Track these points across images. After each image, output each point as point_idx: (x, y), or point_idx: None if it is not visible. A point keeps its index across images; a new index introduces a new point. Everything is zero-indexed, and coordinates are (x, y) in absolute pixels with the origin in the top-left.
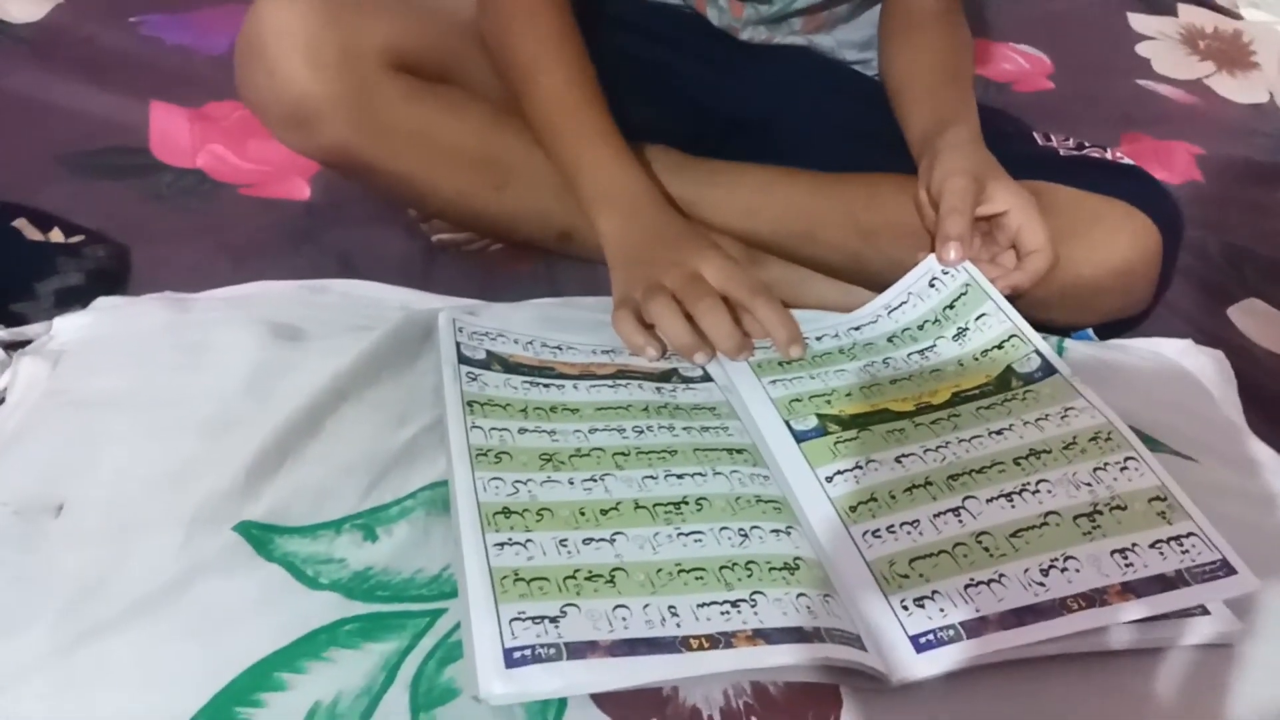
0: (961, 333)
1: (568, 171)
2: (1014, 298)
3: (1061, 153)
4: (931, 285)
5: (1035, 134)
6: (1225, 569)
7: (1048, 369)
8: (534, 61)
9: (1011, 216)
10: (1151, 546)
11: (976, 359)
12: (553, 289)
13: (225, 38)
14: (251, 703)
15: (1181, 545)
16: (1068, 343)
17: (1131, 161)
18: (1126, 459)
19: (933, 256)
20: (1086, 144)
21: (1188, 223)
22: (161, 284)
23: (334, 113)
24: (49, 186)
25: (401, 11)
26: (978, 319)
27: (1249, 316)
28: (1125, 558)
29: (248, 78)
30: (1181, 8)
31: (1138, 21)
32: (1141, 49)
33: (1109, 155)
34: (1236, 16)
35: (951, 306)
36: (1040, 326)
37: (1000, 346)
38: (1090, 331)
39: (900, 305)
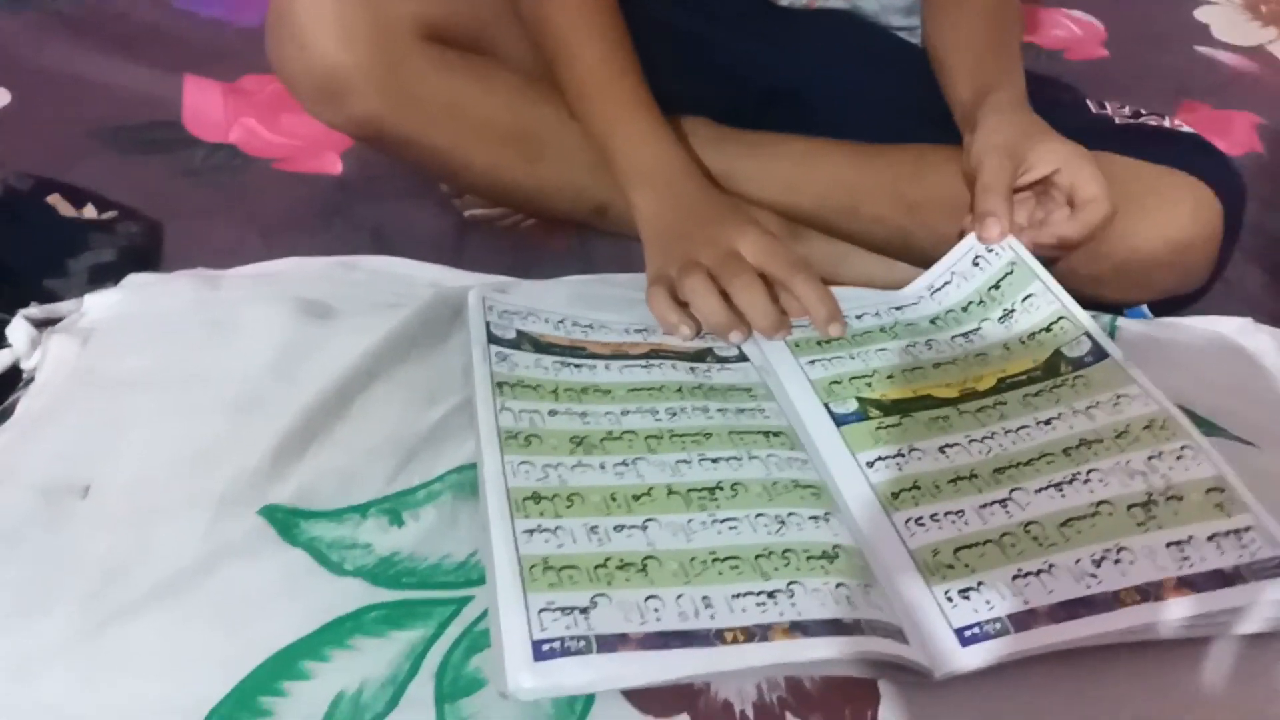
0: (1008, 314)
1: (603, 145)
2: (1056, 266)
3: (1117, 121)
4: (975, 264)
5: (1089, 102)
6: None
7: (1099, 353)
8: (569, 33)
9: (1062, 174)
10: (1209, 540)
11: (1024, 342)
12: (587, 265)
13: (259, 10)
14: (275, 691)
15: (1240, 539)
16: (1120, 321)
17: (1192, 130)
18: (1182, 447)
19: (974, 234)
20: (1143, 112)
21: (1249, 198)
22: (194, 260)
23: (365, 84)
24: (83, 161)
25: None
26: (1024, 300)
27: None
28: (1182, 550)
29: (279, 50)
30: None
31: None
32: (1200, 14)
33: (1167, 123)
34: None
35: (997, 287)
36: (1092, 304)
37: (1049, 329)
38: (1145, 309)
39: (944, 285)
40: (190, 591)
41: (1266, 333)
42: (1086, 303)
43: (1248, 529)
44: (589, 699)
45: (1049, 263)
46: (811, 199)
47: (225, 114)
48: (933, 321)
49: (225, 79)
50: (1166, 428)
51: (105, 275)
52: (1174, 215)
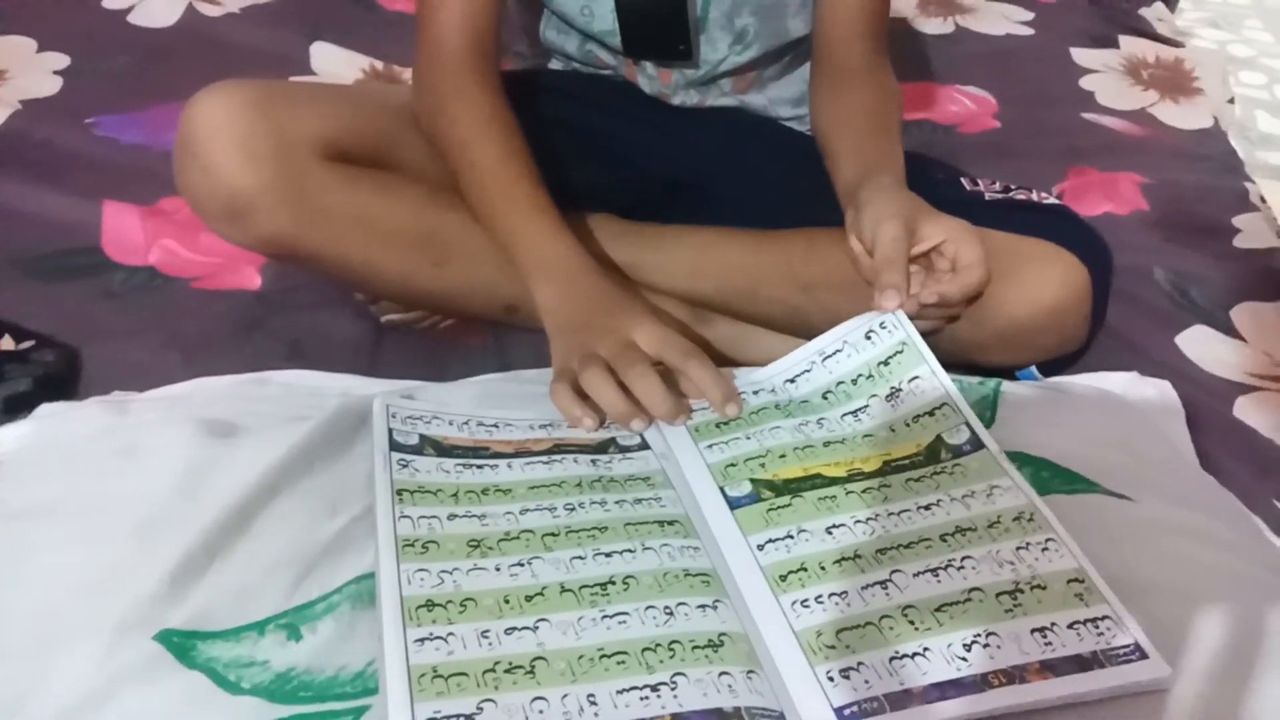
0: (895, 393)
1: (505, 246)
2: (943, 333)
3: (988, 196)
4: (868, 338)
5: (963, 179)
6: (1139, 653)
7: (976, 443)
8: (467, 140)
9: (947, 245)
10: (1069, 627)
11: (908, 425)
12: (502, 363)
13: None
14: None
15: (1098, 627)
16: (1006, 386)
17: (1057, 201)
18: (1047, 540)
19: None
20: (1013, 187)
21: (1135, 252)
22: (112, 384)
23: (270, 205)
24: (3, 292)
25: (333, 100)
26: (911, 380)
27: (1196, 343)
28: (1044, 636)
29: (184, 176)
30: (1123, 39)
31: (1080, 56)
32: (1085, 82)
33: (1035, 196)
34: (1177, 45)
35: (886, 363)
36: (981, 369)
37: (932, 414)
38: (1034, 369)
39: (835, 353)
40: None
41: (1151, 385)
42: (975, 369)
43: (1104, 618)
44: None
45: (932, 332)
46: (713, 285)
47: (144, 236)
48: (824, 396)
49: (145, 202)
50: (1034, 520)
51: (20, 405)
52: (1045, 282)
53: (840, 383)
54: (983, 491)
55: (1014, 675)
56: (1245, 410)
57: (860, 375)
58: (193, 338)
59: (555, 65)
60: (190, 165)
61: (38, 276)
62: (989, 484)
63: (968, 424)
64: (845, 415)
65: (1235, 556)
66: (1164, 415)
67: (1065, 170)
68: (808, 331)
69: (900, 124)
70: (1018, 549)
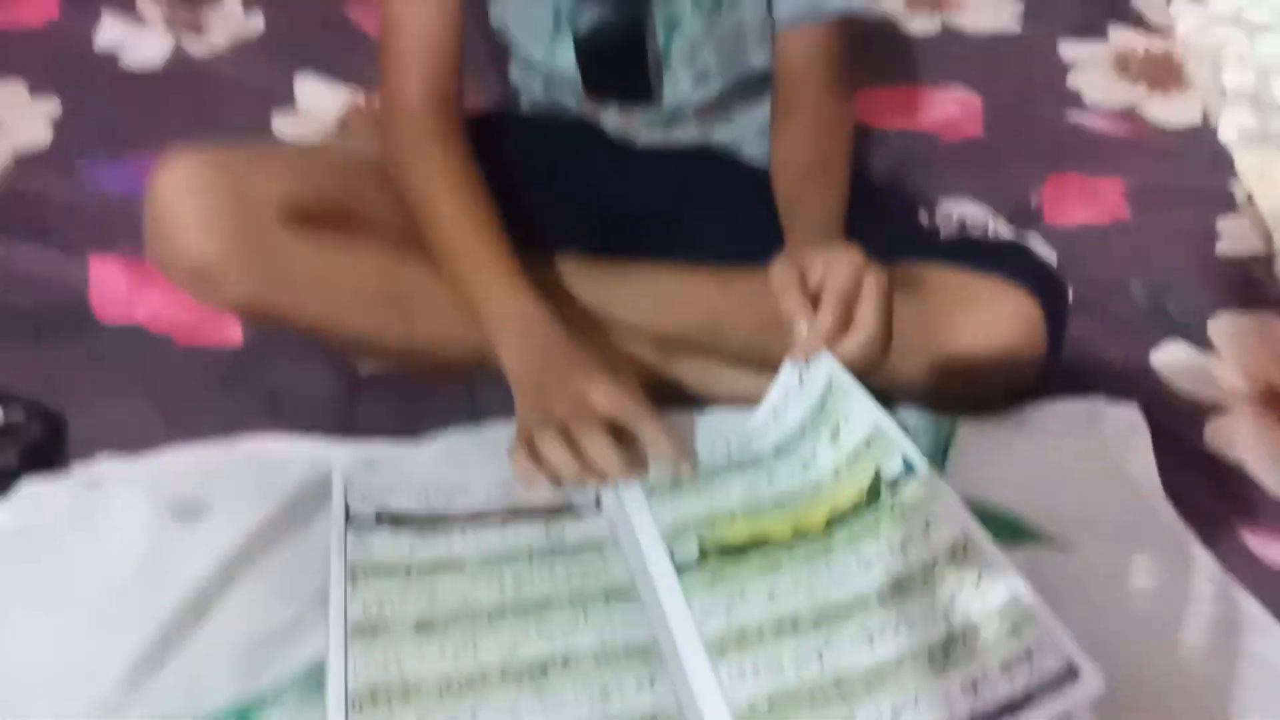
0: (835, 432)
1: (468, 299)
2: (891, 376)
3: (942, 233)
4: (800, 381)
5: (922, 213)
6: (1070, 673)
7: (910, 466)
8: (428, 195)
9: (820, 269)
10: (1001, 670)
11: (849, 463)
12: (474, 409)
13: None
14: None
15: (1029, 660)
16: (962, 425)
17: (1012, 237)
18: (980, 574)
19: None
20: (968, 221)
21: (1113, 263)
22: (95, 448)
23: (235, 271)
24: None
25: (297, 161)
26: (845, 414)
27: (1171, 360)
28: (975, 688)
29: (152, 243)
30: (1112, 31)
31: (1067, 49)
32: (1072, 78)
33: (989, 232)
34: (1166, 34)
35: (822, 405)
36: (935, 406)
37: (868, 444)
38: None
39: (784, 405)
40: None
41: (1117, 410)
42: (933, 407)
43: (1035, 647)
44: None
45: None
46: (679, 322)
47: (129, 291)
48: (776, 451)
49: (132, 253)
50: (969, 550)
51: (6, 480)
52: (993, 319)
53: (790, 434)
54: (919, 530)
55: None
56: (1217, 434)
57: (805, 424)
58: (175, 396)
59: (523, 103)
60: (157, 234)
61: (25, 336)
62: (925, 516)
63: (900, 450)
64: (795, 470)
65: (1175, 604)
66: (1128, 443)
67: (1045, 177)
68: (773, 367)
69: (845, 159)
70: (953, 595)
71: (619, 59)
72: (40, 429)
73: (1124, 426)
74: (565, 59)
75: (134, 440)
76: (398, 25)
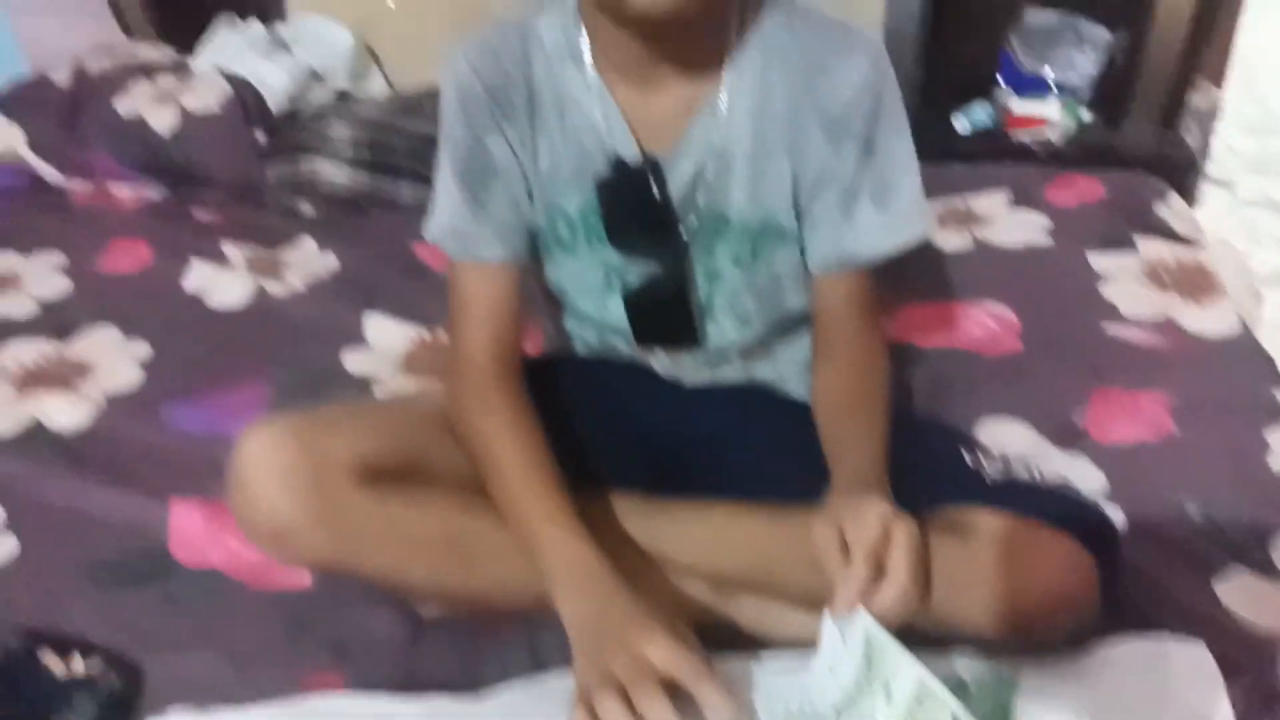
0: (888, 690)
1: (529, 549)
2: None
3: (988, 473)
4: (844, 639)
5: (964, 451)
6: None
7: None
8: (492, 448)
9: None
10: None
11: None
12: (534, 655)
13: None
14: None
15: None
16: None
17: (1060, 482)
18: None
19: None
20: (1011, 458)
21: (1165, 485)
22: (170, 699)
23: (309, 532)
24: (74, 602)
25: (367, 420)
26: (894, 672)
27: (1236, 590)
28: None
29: (235, 504)
30: (1140, 241)
31: (1097, 260)
32: (1106, 291)
33: (1033, 471)
34: (1194, 244)
35: (869, 662)
36: (998, 650)
37: (919, 702)
38: None
39: (837, 661)
40: None
41: (1184, 649)
42: (990, 649)
43: None
44: None
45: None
46: (732, 561)
47: (207, 536)
48: (837, 711)
49: (210, 496)
50: None
51: None
52: (1042, 567)
53: (847, 693)
54: None
55: None
56: None
57: (860, 682)
58: (247, 645)
59: (578, 347)
60: (239, 496)
61: (107, 585)
62: None
63: (950, 709)
64: None
65: None
66: (1197, 684)
67: (1088, 392)
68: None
69: (884, 397)
70: None
71: (665, 310)
72: (118, 681)
73: (1191, 667)
74: (615, 311)
75: (205, 691)
76: (464, 291)
